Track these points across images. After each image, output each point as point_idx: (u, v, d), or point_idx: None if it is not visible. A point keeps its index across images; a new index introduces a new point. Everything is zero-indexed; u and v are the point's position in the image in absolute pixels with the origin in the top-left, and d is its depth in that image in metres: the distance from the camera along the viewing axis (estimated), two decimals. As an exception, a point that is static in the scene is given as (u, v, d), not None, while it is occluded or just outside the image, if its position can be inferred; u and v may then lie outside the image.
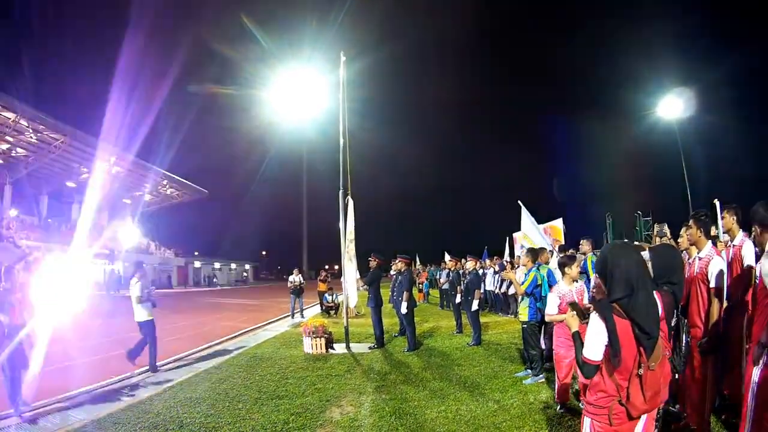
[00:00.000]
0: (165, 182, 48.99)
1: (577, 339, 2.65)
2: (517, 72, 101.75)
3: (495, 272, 15.95)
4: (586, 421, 2.58)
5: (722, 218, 4.83)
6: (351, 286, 10.19)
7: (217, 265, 70.17)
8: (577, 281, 5.60)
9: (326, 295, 17.38)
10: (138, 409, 5.94)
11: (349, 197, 10.16)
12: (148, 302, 8.30)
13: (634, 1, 72.91)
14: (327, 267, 17.32)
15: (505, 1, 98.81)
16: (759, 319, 3.43)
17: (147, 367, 8.18)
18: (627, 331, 2.40)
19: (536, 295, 6.93)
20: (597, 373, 2.50)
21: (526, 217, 9.07)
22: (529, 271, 7.10)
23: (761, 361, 3.14)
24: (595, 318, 2.47)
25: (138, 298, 8.19)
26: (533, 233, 8.97)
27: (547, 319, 5.60)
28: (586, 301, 5.36)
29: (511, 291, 11.90)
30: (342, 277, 10.44)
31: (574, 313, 2.81)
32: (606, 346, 2.42)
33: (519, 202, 9.05)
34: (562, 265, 5.64)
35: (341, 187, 10.31)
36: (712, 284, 4.17)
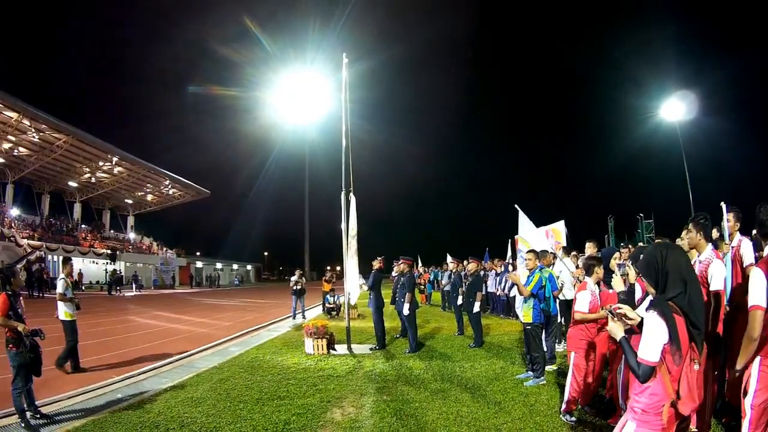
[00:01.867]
0: (168, 182, 49.07)
1: (626, 344, 2.61)
2: (520, 74, 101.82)
3: (497, 274, 15.96)
4: (630, 426, 2.53)
5: (727, 221, 4.85)
6: (353, 283, 10.19)
7: (219, 265, 70.20)
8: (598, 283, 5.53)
9: (328, 296, 17.38)
10: (139, 409, 5.95)
11: (351, 194, 10.15)
12: (70, 302, 8.14)
13: (636, 5, 72.73)
14: (329, 267, 17.25)
15: (509, 4, 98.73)
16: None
17: (143, 369, 8.19)
18: (683, 328, 2.41)
19: (540, 296, 6.91)
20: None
21: (523, 221, 9.05)
22: (534, 272, 7.08)
23: (758, 365, 3.16)
24: (653, 317, 2.44)
25: (60, 295, 8.06)
26: (531, 237, 8.94)
27: (578, 317, 5.47)
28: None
29: (513, 293, 11.87)
30: (344, 276, 10.41)
31: (616, 318, 2.76)
32: (665, 345, 2.40)
33: (516, 206, 9.02)
34: (590, 267, 5.55)
35: (343, 188, 10.31)
36: (712, 287, 4.17)
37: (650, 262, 2.64)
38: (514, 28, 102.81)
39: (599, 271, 5.48)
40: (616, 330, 2.72)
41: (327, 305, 17.22)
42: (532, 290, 6.85)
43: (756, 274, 3.24)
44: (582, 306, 5.33)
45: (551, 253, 8.63)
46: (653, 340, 2.41)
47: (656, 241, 3.04)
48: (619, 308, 2.75)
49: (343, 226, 10.23)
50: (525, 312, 7.01)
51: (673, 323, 2.38)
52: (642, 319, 2.61)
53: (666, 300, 2.49)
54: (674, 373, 2.41)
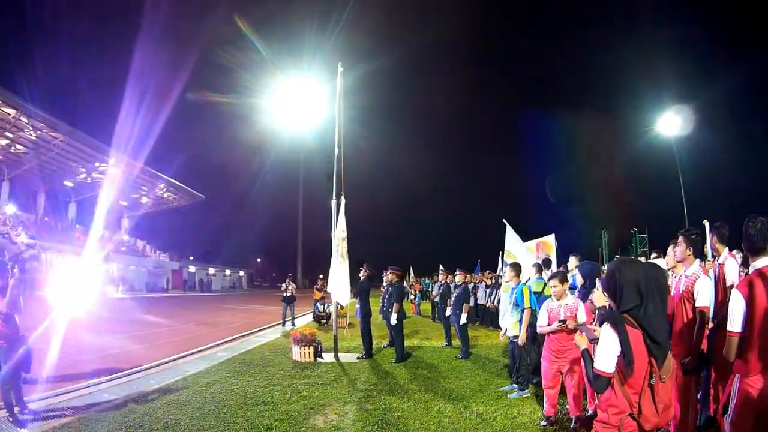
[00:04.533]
0: (162, 185, 49.02)
1: (587, 355, 2.70)
2: (515, 85, 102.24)
3: (487, 286, 16.02)
4: None
5: (711, 239, 4.89)
6: (342, 285, 10.13)
7: (211, 270, 69.98)
8: (567, 297, 5.62)
9: (318, 304, 17.37)
10: (125, 409, 5.99)
11: (341, 197, 10.17)
12: None
13: (631, 15, 73.32)
14: (321, 276, 17.15)
15: (504, 13, 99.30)
16: None
17: (129, 370, 8.21)
18: (639, 341, 2.43)
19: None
20: (608, 387, 2.51)
21: (510, 236, 9.13)
22: (519, 287, 7.13)
23: (737, 383, 3.21)
24: (606, 329, 2.51)
25: None
26: (517, 251, 9.02)
27: (539, 331, 5.64)
28: (580, 316, 5.37)
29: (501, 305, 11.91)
30: (330, 277, 10.32)
31: (583, 331, 2.87)
32: (618, 357, 2.45)
33: (504, 220, 9.11)
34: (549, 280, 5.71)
35: (334, 196, 10.35)
36: (698, 303, 4.16)
37: (609, 277, 2.70)
38: (510, 38, 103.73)
39: (556, 284, 5.61)
40: (580, 341, 2.82)
41: (317, 313, 17.22)
42: (529, 304, 6.89)
43: (735, 298, 3.23)
44: (542, 321, 5.62)
45: (536, 264, 8.66)
46: (606, 351, 2.48)
47: (620, 257, 3.03)
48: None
49: (333, 230, 10.24)
50: (514, 325, 7.07)
51: (625, 335, 2.42)
52: None
53: (620, 312, 2.54)
54: (634, 386, 2.45)
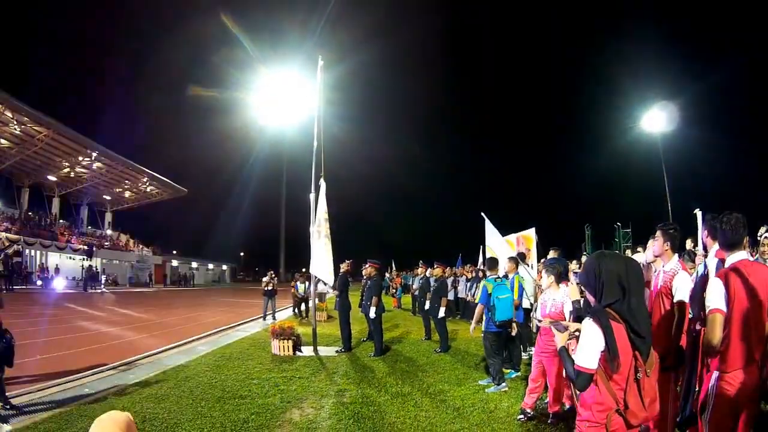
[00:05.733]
0: (146, 179, 48.48)
1: (565, 353, 2.62)
2: (499, 80, 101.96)
3: (467, 280, 16.09)
4: None
5: (703, 229, 4.87)
6: (325, 264, 9.89)
7: (194, 264, 69.65)
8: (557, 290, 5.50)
9: (298, 283, 17.12)
10: (104, 403, 6.00)
11: (321, 179, 10.09)
12: None
13: (615, 13, 73.73)
14: (304, 270, 17.00)
15: (487, 9, 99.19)
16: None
17: (115, 363, 8.15)
18: (622, 335, 2.38)
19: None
20: (591, 384, 2.43)
21: (490, 229, 9.17)
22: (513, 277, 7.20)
23: (715, 380, 3.23)
24: (589, 324, 2.43)
25: None
26: (497, 245, 9.07)
27: (537, 322, 5.58)
28: (566, 310, 5.25)
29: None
30: (312, 259, 10.06)
31: (565, 328, 2.78)
32: (602, 352, 2.39)
33: (482, 214, 9.14)
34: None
35: (313, 190, 10.30)
36: (677, 298, 4.12)
37: (588, 271, 2.63)
38: (494, 34, 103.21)
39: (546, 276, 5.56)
40: (557, 339, 2.74)
41: (297, 295, 17.06)
42: (481, 300, 6.95)
43: (714, 282, 3.26)
44: (538, 312, 5.66)
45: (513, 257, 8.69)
46: (589, 346, 2.40)
47: (599, 251, 3.02)
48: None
49: (313, 213, 10.18)
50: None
51: (609, 330, 2.35)
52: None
53: (603, 307, 2.47)
54: (618, 381, 2.39)
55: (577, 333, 2.68)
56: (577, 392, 2.51)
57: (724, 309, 3.15)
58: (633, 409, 2.38)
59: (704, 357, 3.51)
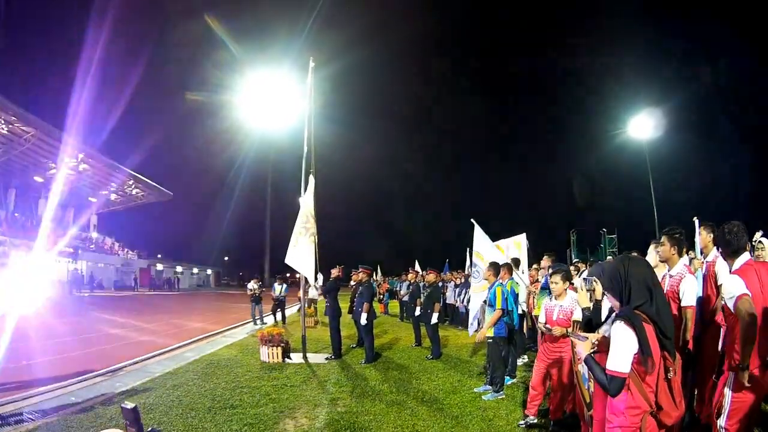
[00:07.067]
0: (131, 182, 47.94)
1: (591, 361, 2.56)
2: (488, 83, 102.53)
3: (456, 285, 16.02)
4: None
5: (699, 234, 4.88)
6: (306, 259, 9.61)
7: (179, 268, 68.98)
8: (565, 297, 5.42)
9: (275, 284, 16.29)
10: (91, 413, 5.80)
11: (311, 175, 9.93)
12: None
13: (603, 18, 74.53)
14: (288, 275, 16.70)
15: (478, 12, 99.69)
16: (728, 340, 3.40)
17: (97, 372, 7.93)
18: (653, 336, 2.38)
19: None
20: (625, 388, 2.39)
21: (479, 235, 9.10)
22: (493, 286, 7.07)
23: (731, 383, 3.17)
24: (621, 326, 2.40)
25: None
26: (486, 251, 8.99)
27: (545, 330, 5.50)
28: (576, 316, 5.17)
29: (471, 305, 11.90)
30: (293, 252, 9.75)
31: (585, 339, 2.75)
32: (634, 355, 2.36)
33: (472, 220, 9.09)
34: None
35: (302, 191, 10.15)
36: (684, 303, 4.17)
37: (613, 274, 2.62)
38: (482, 35, 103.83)
39: (557, 281, 5.45)
40: (581, 349, 2.70)
41: (273, 296, 16.13)
42: (501, 305, 6.82)
43: (733, 276, 3.33)
44: (541, 317, 5.61)
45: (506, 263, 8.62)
46: (622, 350, 2.38)
47: (621, 255, 2.97)
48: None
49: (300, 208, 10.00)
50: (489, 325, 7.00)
51: (642, 331, 2.35)
52: (603, 337, 2.62)
53: (632, 309, 2.46)
54: (649, 383, 2.38)
55: (596, 342, 2.70)
56: (608, 397, 2.45)
57: (749, 293, 3.15)
58: (667, 409, 2.39)
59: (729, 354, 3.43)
